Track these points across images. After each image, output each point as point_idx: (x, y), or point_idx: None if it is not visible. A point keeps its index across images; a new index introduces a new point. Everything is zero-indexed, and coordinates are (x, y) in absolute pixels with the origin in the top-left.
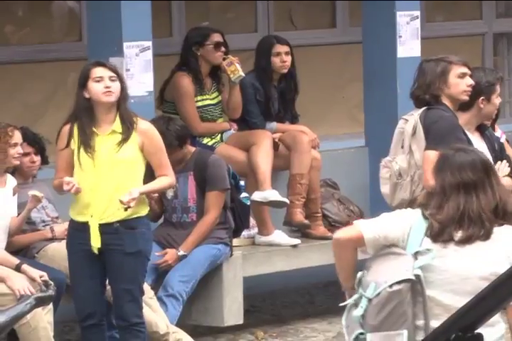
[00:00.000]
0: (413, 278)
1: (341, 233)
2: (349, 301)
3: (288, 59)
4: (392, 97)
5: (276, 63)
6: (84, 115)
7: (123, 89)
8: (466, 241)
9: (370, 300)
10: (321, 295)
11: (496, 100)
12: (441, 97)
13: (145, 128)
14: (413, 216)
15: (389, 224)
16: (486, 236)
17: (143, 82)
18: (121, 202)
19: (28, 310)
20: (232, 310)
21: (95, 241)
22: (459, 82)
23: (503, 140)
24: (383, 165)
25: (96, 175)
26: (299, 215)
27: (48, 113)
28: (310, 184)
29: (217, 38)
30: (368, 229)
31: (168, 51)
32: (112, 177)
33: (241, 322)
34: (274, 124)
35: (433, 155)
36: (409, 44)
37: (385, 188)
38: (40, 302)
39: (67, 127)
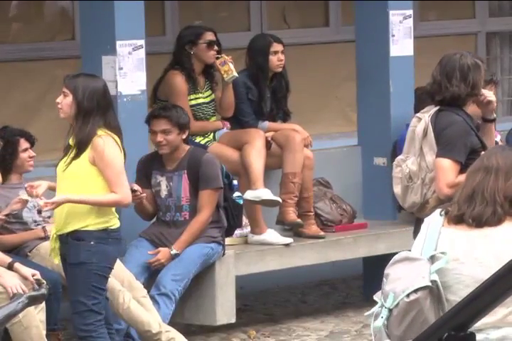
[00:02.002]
0: (430, 284)
1: None
2: (373, 310)
3: (283, 58)
4: (385, 96)
5: (273, 62)
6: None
7: (75, 104)
8: (477, 220)
9: (390, 310)
10: (313, 294)
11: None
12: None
13: (97, 144)
14: (428, 221)
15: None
16: (497, 221)
17: (135, 81)
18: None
19: (21, 309)
20: (224, 308)
21: (52, 252)
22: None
23: (497, 140)
24: (396, 165)
25: (58, 187)
26: (292, 214)
27: (41, 111)
28: (303, 183)
29: (210, 36)
30: None
31: (161, 50)
32: (65, 190)
33: (233, 321)
34: (266, 123)
35: (445, 163)
36: (402, 43)
37: (397, 188)
38: (33, 300)
39: None
